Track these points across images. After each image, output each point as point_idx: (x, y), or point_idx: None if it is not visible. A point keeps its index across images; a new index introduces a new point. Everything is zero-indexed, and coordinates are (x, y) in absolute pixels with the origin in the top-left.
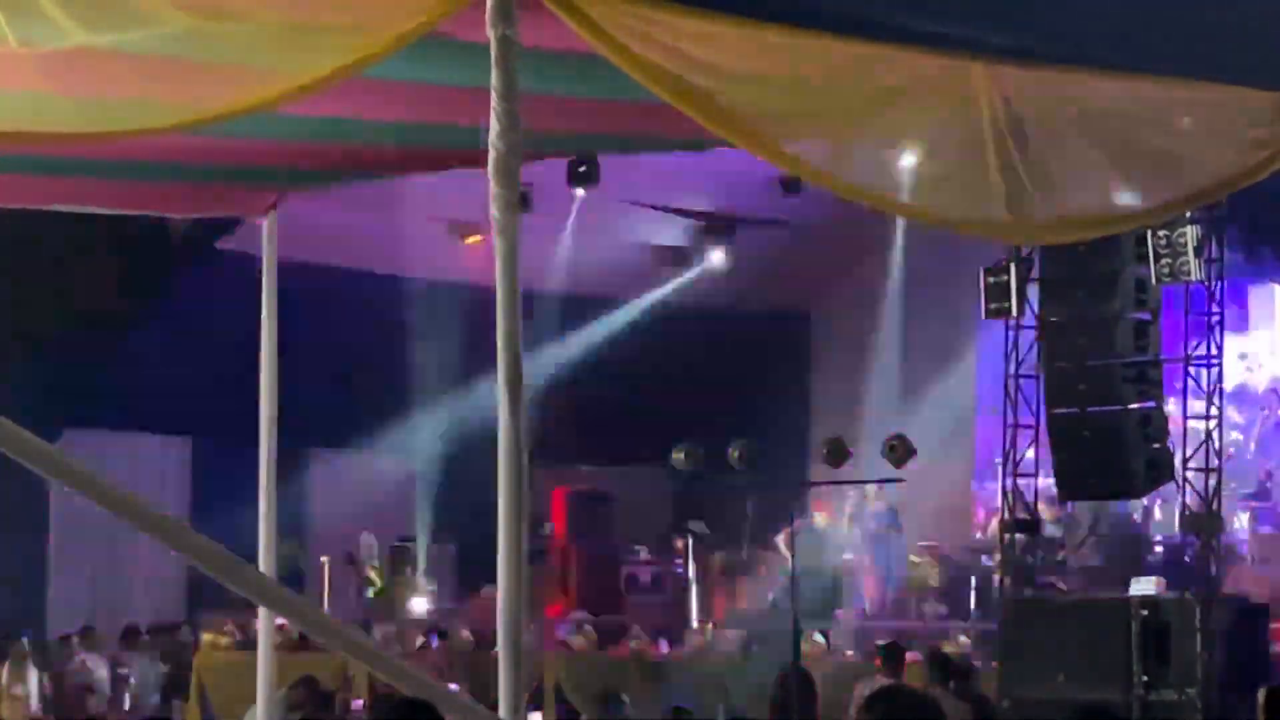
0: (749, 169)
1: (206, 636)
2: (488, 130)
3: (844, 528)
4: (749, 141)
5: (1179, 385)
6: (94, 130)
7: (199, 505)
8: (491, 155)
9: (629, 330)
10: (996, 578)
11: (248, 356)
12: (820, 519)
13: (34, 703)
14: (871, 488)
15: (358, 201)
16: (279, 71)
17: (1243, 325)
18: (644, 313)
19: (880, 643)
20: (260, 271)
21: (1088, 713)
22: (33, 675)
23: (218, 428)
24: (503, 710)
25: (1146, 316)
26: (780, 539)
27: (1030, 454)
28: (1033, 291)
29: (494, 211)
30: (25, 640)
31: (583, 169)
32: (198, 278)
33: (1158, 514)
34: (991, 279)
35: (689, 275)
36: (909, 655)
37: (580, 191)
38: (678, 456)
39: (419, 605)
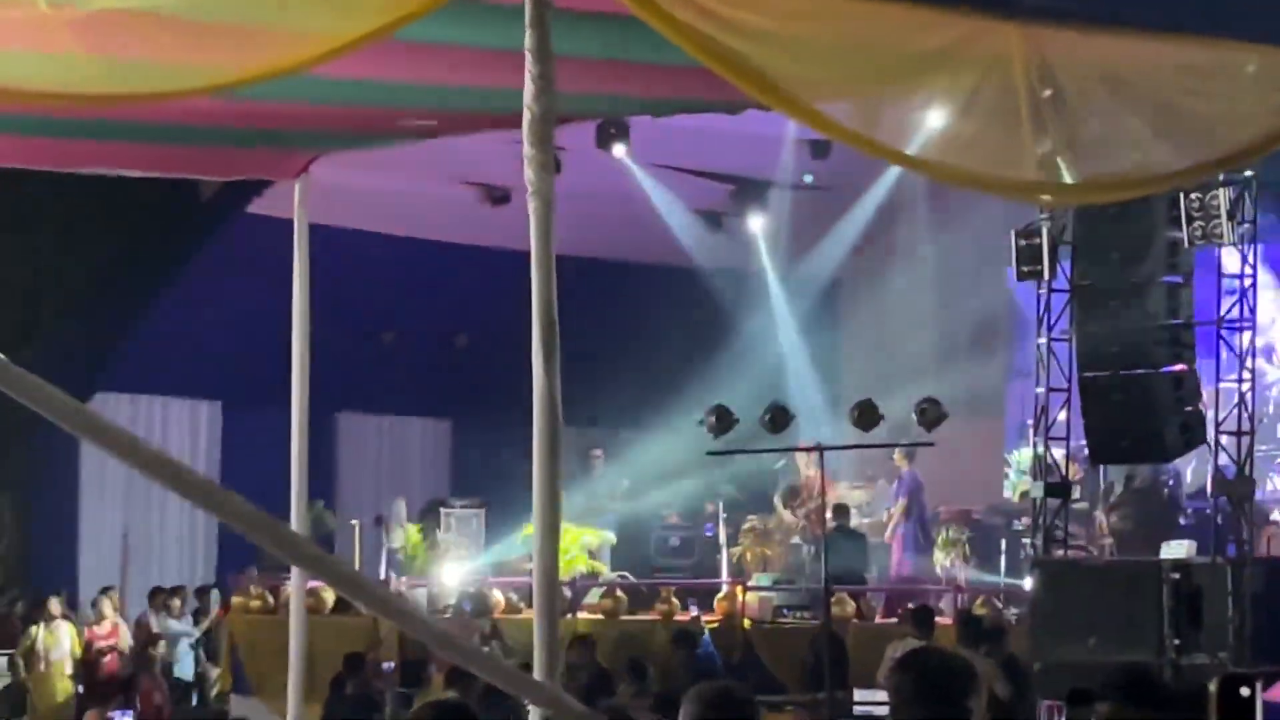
0: (779, 132)
1: (237, 599)
2: (521, 93)
3: (871, 492)
4: (782, 103)
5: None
6: (126, 93)
7: (228, 469)
8: (526, 117)
9: (658, 293)
10: (1026, 541)
11: (277, 320)
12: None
13: (67, 665)
14: (899, 452)
15: (388, 165)
16: (312, 34)
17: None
18: (672, 275)
19: (911, 605)
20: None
21: (1128, 675)
22: (66, 637)
23: (247, 391)
24: (537, 673)
25: (1179, 279)
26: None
27: (1062, 417)
28: (1065, 254)
29: (529, 174)
30: (59, 601)
31: (613, 132)
32: (227, 241)
33: (1189, 477)
34: (1023, 242)
35: (718, 238)
36: (941, 619)
37: (610, 154)
38: (707, 420)
39: (449, 568)
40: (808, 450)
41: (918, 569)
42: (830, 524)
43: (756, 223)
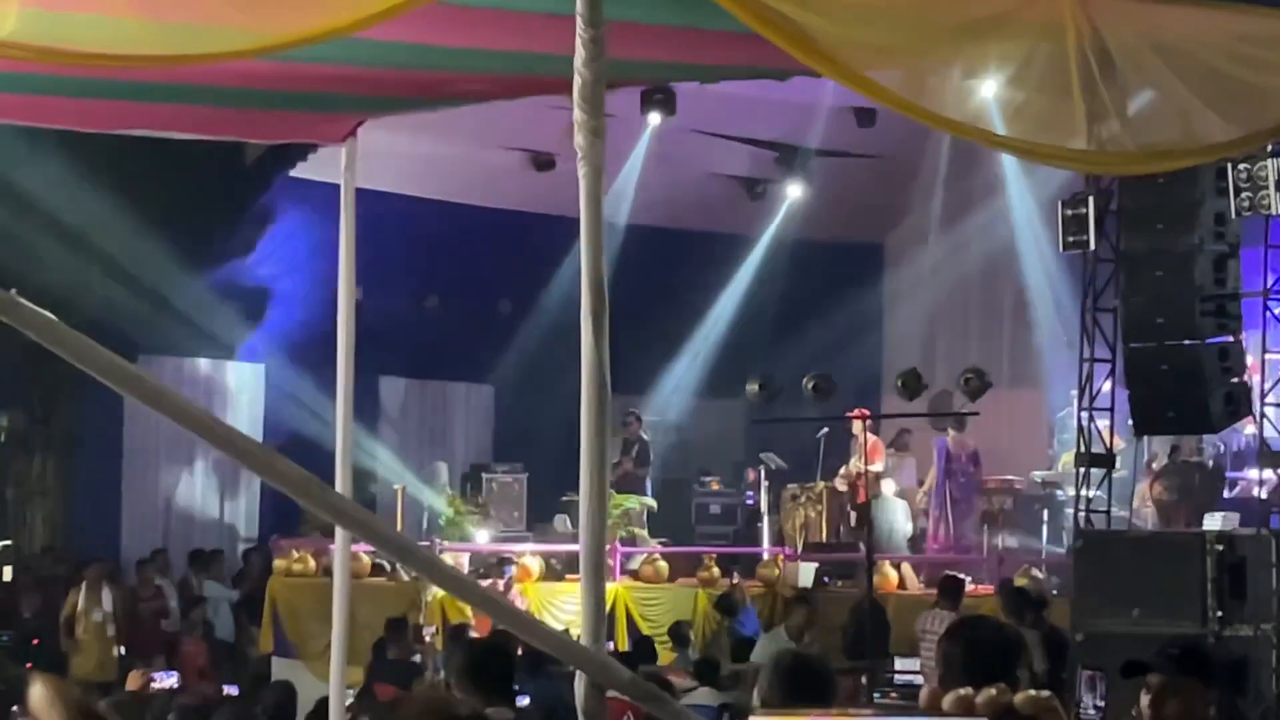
0: (824, 99)
1: (279, 561)
2: (571, 58)
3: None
4: (833, 70)
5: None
6: (174, 54)
7: (272, 431)
8: (577, 82)
9: (703, 262)
10: (1069, 511)
11: (321, 283)
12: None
13: (109, 627)
14: (944, 420)
15: (433, 130)
16: None
17: None
18: (717, 243)
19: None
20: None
21: (1181, 648)
22: (108, 600)
23: (292, 354)
24: (584, 638)
25: (1225, 249)
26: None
27: (1106, 388)
28: (1111, 224)
29: (578, 139)
30: (100, 564)
31: (658, 98)
32: (273, 204)
33: (1234, 448)
34: (1069, 211)
35: (763, 206)
36: (980, 588)
37: (655, 120)
38: (751, 388)
39: (489, 533)
40: (853, 418)
41: (956, 539)
42: (873, 493)
43: (800, 190)
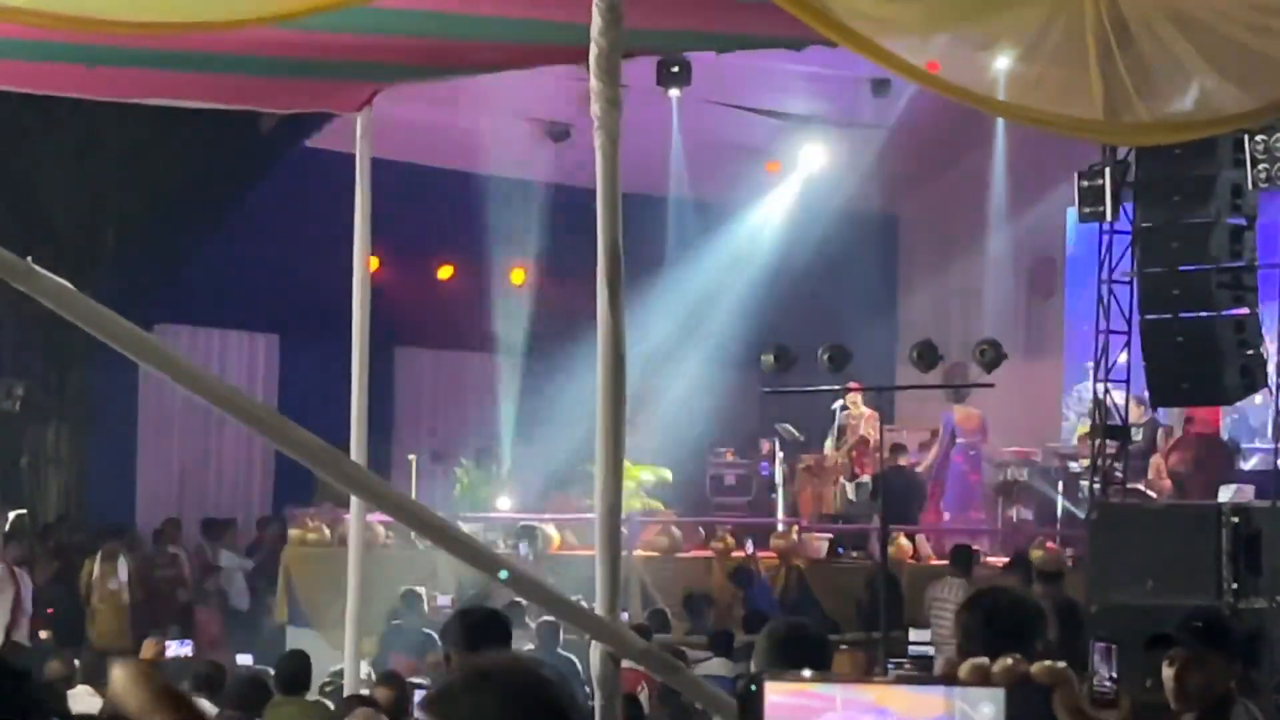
0: (840, 70)
1: (294, 531)
2: (587, 27)
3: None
4: (849, 39)
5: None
6: (188, 21)
7: (285, 402)
8: (594, 51)
9: (718, 232)
10: (1084, 483)
11: (335, 253)
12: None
13: (125, 595)
14: (945, 392)
15: (448, 99)
16: None
17: None
18: (733, 214)
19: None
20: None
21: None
22: (124, 568)
23: (305, 325)
24: (600, 608)
25: (1242, 222)
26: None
27: (1122, 359)
28: (1127, 196)
29: (595, 108)
30: (115, 533)
31: (674, 69)
32: (286, 174)
33: (1250, 420)
34: (1086, 183)
35: (776, 176)
36: (995, 560)
37: (673, 92)
38: (766, 359)
39: (504, 504)
40: (865, 390)
41: (964, 510)
42: (886, 464)
43: (815, 160)
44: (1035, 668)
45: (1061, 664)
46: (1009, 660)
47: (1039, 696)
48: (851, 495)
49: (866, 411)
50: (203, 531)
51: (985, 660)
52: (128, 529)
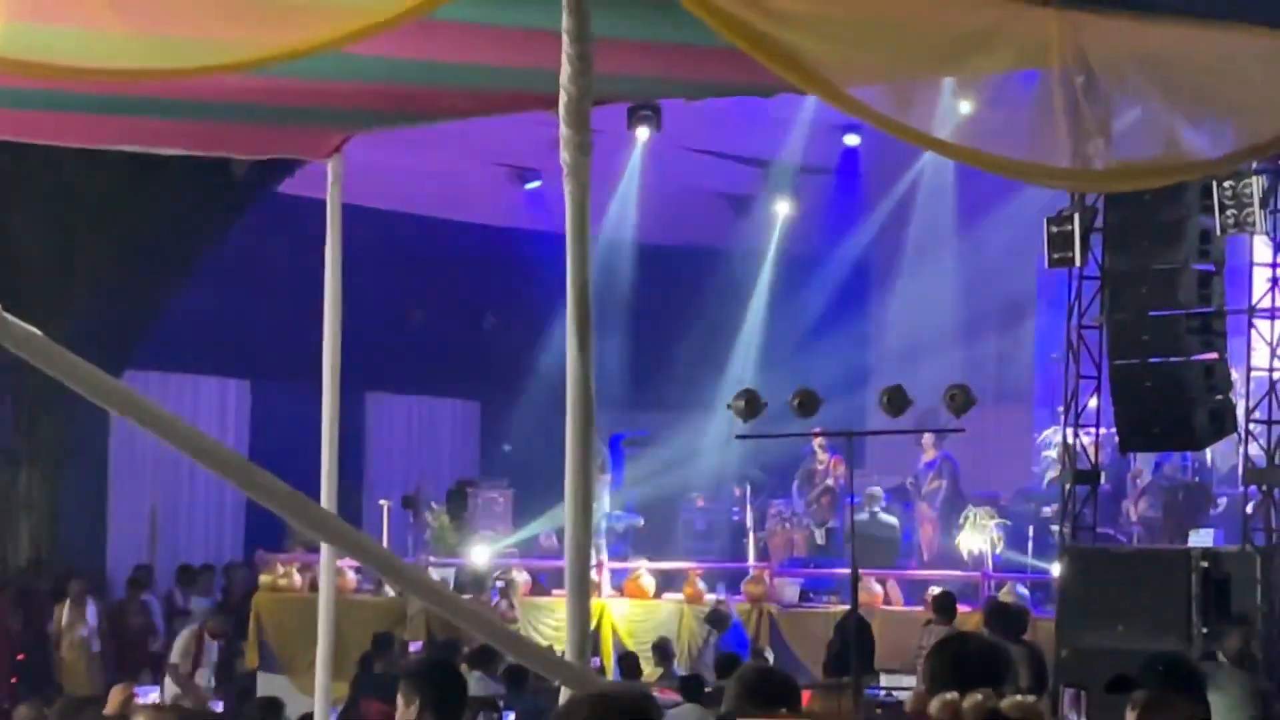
0: (810, 116)
1: (265, 577)
2: (557, 73)
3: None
4: (816, 87)
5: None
6: (159, 68)
7: (257, 448)
8: (563, 98)
9: (688, 275)
10: (1055, 528)
11: (307, 299)
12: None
13: (94, 643)
14: (928, 437)
15: (419, 145)
16: (349, 10)
17: None
18: (703, 258)
19: (935, 591)
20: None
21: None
22: (92, 614)
23: (277, 370)
24: (569, 654)
25: (1211, 267)
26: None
27: (1092, 404)
28: (1096, 241)
29: (564, 155)
30: (82, 579)
31: (644, 114)
32: (258, 221)
33: (1219, 466)
34: (1055, 228)
35: (747, 222)
36: (964, 606)
37: (644, 137)
38: (736, 404)
39: (476, 550)
40: (836, 435)
41: (944, 554)
42: (861, 511)
43: (785, 206)
44: (1005, 703)
45: (1031, 698)
46: (979, 695)
47: None
48: (820, 540)
49: (834, 458)
50: (177, 579)
51: (956, 695)
52: (98, 575)
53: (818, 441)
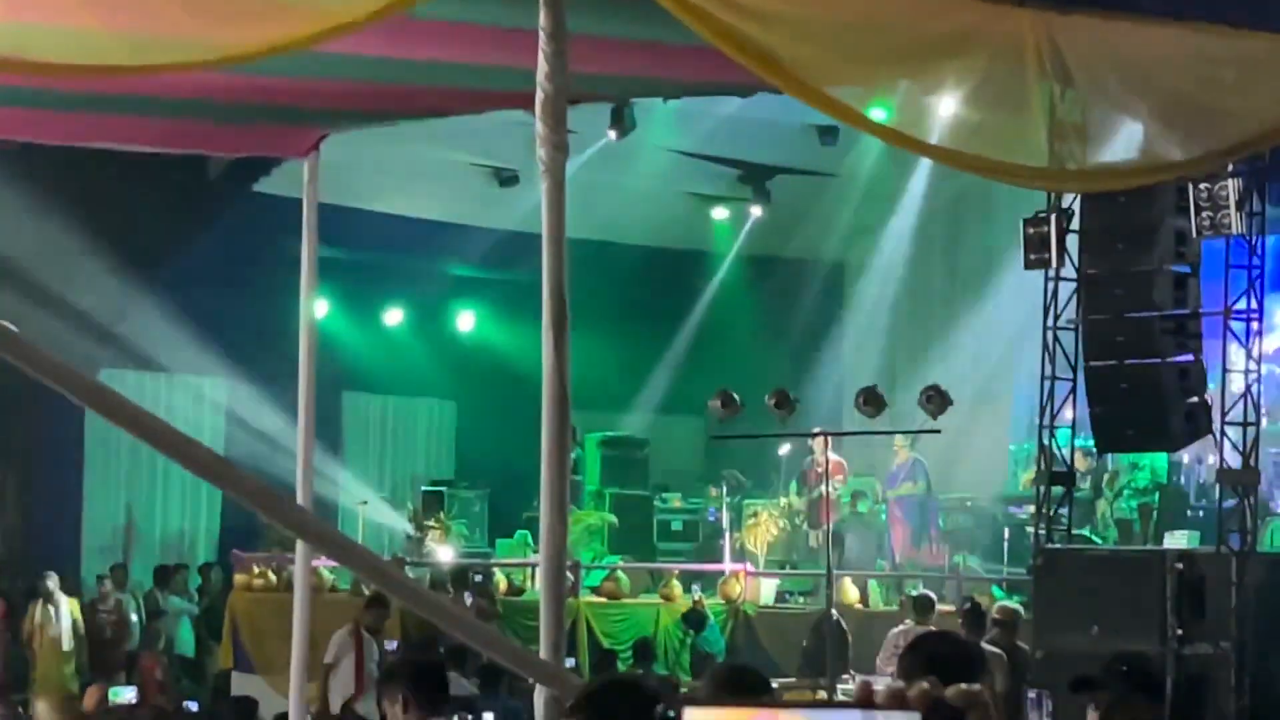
0: (787, 118)
1: (239, 577)
2: (534, 72)
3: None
4: (792, 86)
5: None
6: (136, 65)
7: (233, 446)
8: (540, 97)
9: (666, 277)
10: (1030, 530)
11: (283, 298)
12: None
13: (66, 641)
14: (902, 439)
15: (396, 144)
16: (326, 9)
17: None
18: (680, 260)
19: (912, 593)
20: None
21: (1129, 664)
22: (65, 614)
23: (253, 369)
24: (543, 652)
25: (1186, 269)
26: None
27: (1068, 409)
28: (1072, 243)
29: (541, 153)
30: (56, 578)
31: (621, 114)
32: (234, 219)
33: (1195, 468)
34: (1032, 230)
35: (726, 224)
36: (941, 606)
37: (615, 137)
38: (713, 404)
39: (450, 550)
40: (813, 436)
41: (920, 555)
42: (846, 510)
43: (762, 207)
44: (950, 691)
45: (977, 686)
46: (924, 684)
47: None
48: (813, 544)
49: (833, 460)
50: (154, 579)
51: (902, 684)
52: (72, 574)
53: (818, 442)
